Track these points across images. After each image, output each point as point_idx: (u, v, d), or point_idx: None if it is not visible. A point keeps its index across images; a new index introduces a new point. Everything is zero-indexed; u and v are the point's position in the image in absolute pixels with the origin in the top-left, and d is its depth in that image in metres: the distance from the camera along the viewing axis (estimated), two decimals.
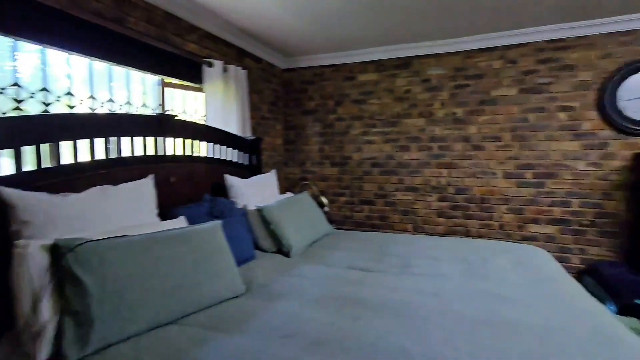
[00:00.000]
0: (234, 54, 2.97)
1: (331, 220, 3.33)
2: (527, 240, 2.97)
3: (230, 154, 2.71)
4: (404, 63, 3.32)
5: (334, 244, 2.41)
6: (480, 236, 3.12)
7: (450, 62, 3.17)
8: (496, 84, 3.04)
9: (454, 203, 3.21)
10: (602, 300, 2.37)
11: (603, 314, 1.35)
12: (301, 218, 2.41)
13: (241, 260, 1.90)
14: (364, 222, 3.57)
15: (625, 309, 2.30)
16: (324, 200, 3.42)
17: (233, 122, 2.76)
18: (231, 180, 2.40)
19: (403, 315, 1.32)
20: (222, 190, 2.41)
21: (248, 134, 2.94)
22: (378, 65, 3.42)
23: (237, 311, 1.37)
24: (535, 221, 2.95)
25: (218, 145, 2.57)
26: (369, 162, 3.52)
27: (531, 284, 1.63)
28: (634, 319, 1.80)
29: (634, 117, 2.66)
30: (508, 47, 2.98)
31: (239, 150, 2.83)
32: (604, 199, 2.77)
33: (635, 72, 2.65)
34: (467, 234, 3.17)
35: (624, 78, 2.68)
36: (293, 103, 3.81)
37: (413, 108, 3.32)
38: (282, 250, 2.18)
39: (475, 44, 3.04)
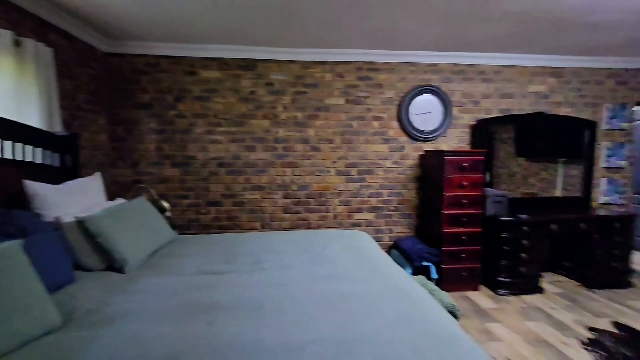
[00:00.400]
0: (31, 25, 2.31)
1: (174, 226, 3.07)
2: (354, 226, 3.58)
3: (31, 154, 2.11)
4: (249, 65, 3.39)
5: (179, 250, 2.24)
6: (318, 227, 3.54)
7: (290, 69, 3.44)
8: (328, 94, 3.50)
9: (296, 199, 3.52)
10: (403, 266, 3.12)
11: (404, 277, 1.80)
12: (137, 226, 2.13)
13: (57, 286, 1.54)
14: (212, 224, 3.46)
15: (417, 270, 3.10)
16: (165, 204, 3.11)
17: (34, 112, 2.16)
18: (34, 186, 1.89)
19: (257, 309, 1.38)
20: (21, 201, 1.87)
21: (58, 128, 2.36)
22: (222, 64, 3.36)
23: (53, 350, 1.11)
24: (359, 210, 3.59)
25: (10, 142, 1.96)
26: (215, 162, 3.42)
27: (358, 261, 1.99)
28: (422, 276, 2.49)
29: (420, 128, 3.59)
30: (337, 63, 3.48)
31: (45, 148, 2.24)
32: (403, 189, 3.63)
33: (419, 94, 3.57)
34: (308, 227, 3.54)
35: (413, 98, 3.57)
36: (121, 94, 3.28)
37: (258, 109, 3.43)
38: (114, 266, 1.88)
39: (311, 56, 3.41)
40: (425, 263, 3.11)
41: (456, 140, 3.67)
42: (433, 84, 3.58)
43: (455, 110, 3.63)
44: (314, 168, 3.53)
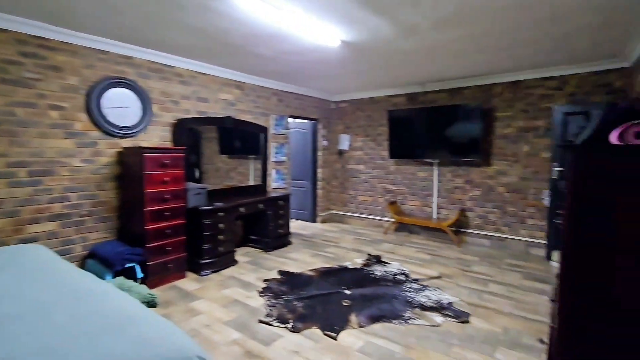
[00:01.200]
0: None
1: None
2: (28, 241, 2.80)
3: None
4: None
5: None
6: None
7: None
8: None
9: None
10: (102, 273, 2.85)
11: (85, 283, 1.68)
12: None
13: None
14: None
15: (119, 274, 2.92)
16: None
17: None
18: None
19: None
20: None
21: None
22: None
23: None
24: (34, 221, 2.86)
25: None
26: None
27: (20, 280, 1.64)
28: (121, 277, 2.39)
29: (115, 122, 3.33)
30: None
31: None
32: (98, 190, 3.25)
33: (113, 86, 3.30)
34: None
35: (106, 89, 3.25)
36: None
37: None
38: None
39: None
40: (129, 265, 2.99)
41: (158, 137, 3.72)
42: (129, 77, 3.43)
43: (155, 108, 3.67)
44: None
